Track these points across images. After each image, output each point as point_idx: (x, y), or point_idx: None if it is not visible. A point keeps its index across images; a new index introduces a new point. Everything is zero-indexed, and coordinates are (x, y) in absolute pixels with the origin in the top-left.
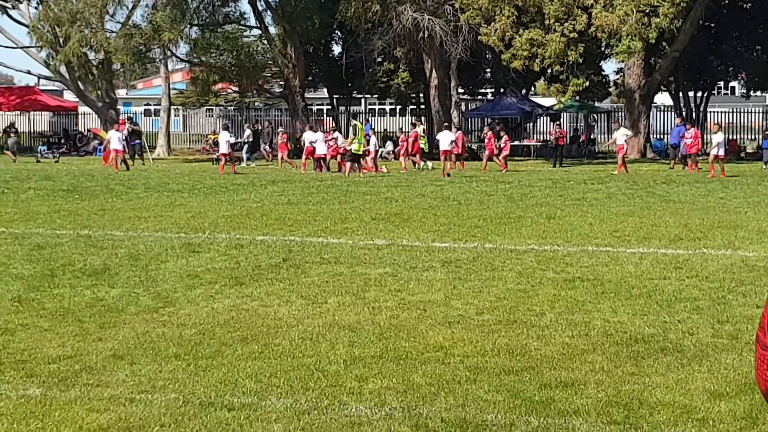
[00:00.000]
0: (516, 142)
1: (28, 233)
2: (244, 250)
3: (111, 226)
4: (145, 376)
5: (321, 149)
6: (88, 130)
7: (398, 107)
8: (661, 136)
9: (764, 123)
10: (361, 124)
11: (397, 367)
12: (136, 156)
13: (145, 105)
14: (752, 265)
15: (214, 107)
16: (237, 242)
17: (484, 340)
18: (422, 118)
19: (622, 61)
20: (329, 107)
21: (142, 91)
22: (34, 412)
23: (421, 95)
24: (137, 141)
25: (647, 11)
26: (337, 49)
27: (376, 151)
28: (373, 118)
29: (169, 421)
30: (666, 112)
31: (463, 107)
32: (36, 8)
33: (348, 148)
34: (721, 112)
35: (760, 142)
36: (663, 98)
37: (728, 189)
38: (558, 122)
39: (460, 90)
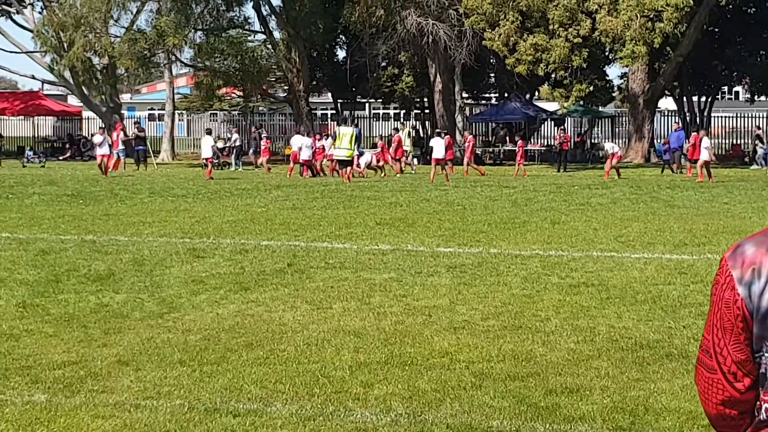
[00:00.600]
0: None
1: (33, 238)
2: (249, 255)
3: (115, 231)
4: (150, 382)
5: (305, 154)
6: (92, 135)
7: (402, 112)
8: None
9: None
10: (352, 128)
11: (402, 372)
12: (141, 161)
13: (149, 110)
14: None
15: (218, 112)
16: (242, 247)
17: (490, 346)
18: (407, 122)
19: (626, 66)
20: (333, 112)
21: (146, 96)
22: (39, 418)
23: (425, 100)
24: (142, 147)
25: (651, 16)
26: (341, 54)
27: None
28: (377, 122)
29: (174, 428)
30: (670, 117)
31: (467, 112)
32: (40, 13)
33: (329, 153)
34: (725, 116)
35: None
36: (667, 103)
37: (732, 194)
38: (562, 127)
39: (465, 94)
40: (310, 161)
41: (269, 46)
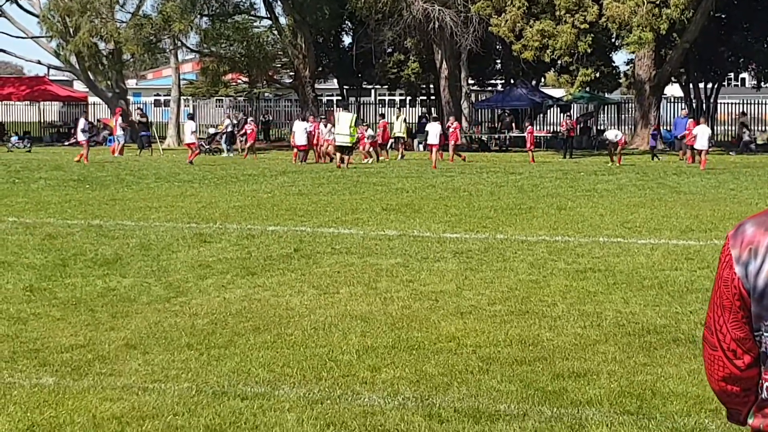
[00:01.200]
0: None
1: (40, 223)
2: (256, 240)
3: (122, 216)
4: (158, 365)
5: (299, 140)
6: (98, 120)
7: (408, 98)
8: (671, 128)
9: None
10: (352, 113)
11: (409, 357)
12: (144, 147)
13: (155, 95)
14: None
15: (224, 98)
16: (248, 232)
17: (497, 331)
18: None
19: (633, 52)
20: (339, 98)
21: (152, 82)
22: (48, 401)
23: (431, 86)
24: (145, 132)
25: (658, 2)
26: (347, 40)
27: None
28: (383, 108)
29: (183, 410)
30: (676, 104)
31: (473, 98)
32: None
33: (326, 138)
34: (732, 103)
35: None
36: (673, 89)
37: (739, 180)
38: (568, 113)
39: (470, 81)
40: (305, 146)
41: (275, 32)
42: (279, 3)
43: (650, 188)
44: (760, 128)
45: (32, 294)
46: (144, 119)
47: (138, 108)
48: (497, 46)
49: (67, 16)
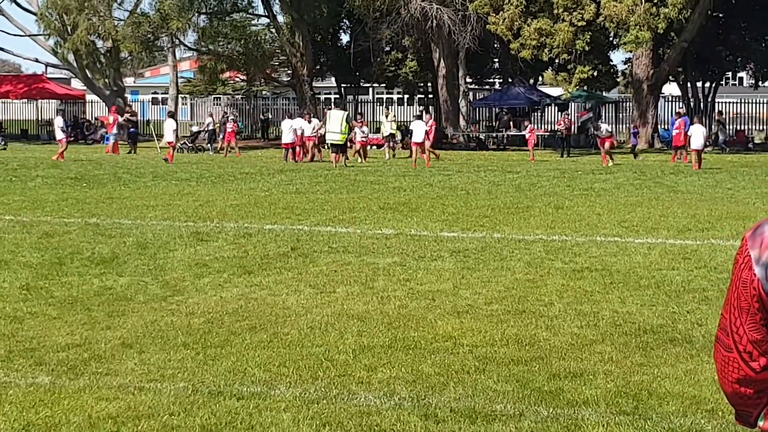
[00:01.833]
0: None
1: (36, 221)
2: (253, 239)
3: (119, 215)
4: (154, 364)
5: (286, 138)
6: (96, 119)
7: (406, 96)
8: (669, 127)
9: None
10: (343, 111)
11: (406, 356)
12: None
13: (152, 93)
14: None
15: (221, 96)
16: (245, 231)
17: (493, 330)
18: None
19: (630, 51)
20: (337, 96)
21: (150, 80)
22: (44, 400)
23: (429, 84)
24: (133, 130)
25: (656, 1)
26: (345, 38)
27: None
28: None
29: (179, 410)
30: (674, 103)
31: (471, 97)
32: None
33: (312, 135)
34: (730, 102)
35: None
36: (671, 88)
37: (736, 180)
38: (566, 112)
39: (468, 79)
40: (292, 144)
41: (273, 30)
42: (277, 1)
43: (648, 187)
44: (757, 127)
45: (29, 293)
46: (134, 118)
47: (127, 106)
48: (495, 45)
49: (64, 14)
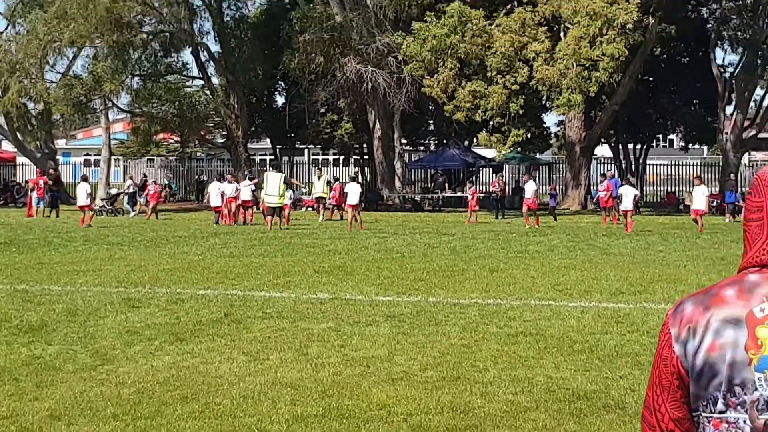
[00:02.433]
0: (459, 194)
1: None
2: (185, 304)
3: (48, 281)
4: None
5: (214, 201)
6: (26, 181)
7: (342, 158)
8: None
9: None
10: (280, 174)
11: (340, 426)
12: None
13: (84, 155)
14: None
15: (155, 157)
16: (178, 297)
17: (428, 398)
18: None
19: (563, 114)
20: (272, 157)
21: (82, 141)
22: None
23: (365, 146)
24: (56, 193)
25: (587, 65)
26: (280, 100)
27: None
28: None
29: None
30: (606, 164)
31: (406, 158)
32: None
33: (229, 197)
34: (660, 164)
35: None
36: (603, 150)
37: (668, 242)
38: (500, 174)
39: (404, 141)
40: (220, 207)
41: (207, 92)
42: (211, 63)
43: (581, 249)
44: (688, 189)
45: None
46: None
47: (51, 169)
48: (430, 107)
49: None
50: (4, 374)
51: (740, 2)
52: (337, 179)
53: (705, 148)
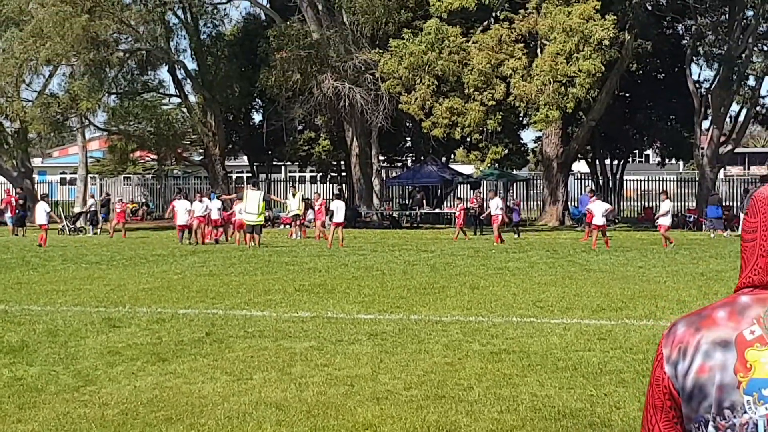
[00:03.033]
0: (438, 210)
1: None
2: (166, 324)
3: (28, 301)
4: None
5: (180, 219)
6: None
7: (319, 175)
8: (578, 204)
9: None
10: (260, 192)
11: None
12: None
13: (60, 173)
14: None
15: (132, 175)
16: (158, 316)
17: (413, 417)
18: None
19: (540, 130)
20: (249, 175)
21: (59, 159)
22: None
23: (342, 163)
24: (21, 212)
25: (564, 81)
26: (257, 117)
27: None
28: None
29: None
30: (584, 180)
31: (384, 175)
32: None
33: (197, 216)
34: (637, 179)
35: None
36: (580, 166)
37: (647, 258)
38: (478, 190)
39: (381, 158)
40: (186, 226)
41: (184, 110)
42: (188, 81)
43: (561, 266)
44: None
45: None
46: (21, 201)
47: (18, 189)
48: (407, 124)
49: None
50: None
51: (716, 18)
52: (319, 195)
53: (681, 163)
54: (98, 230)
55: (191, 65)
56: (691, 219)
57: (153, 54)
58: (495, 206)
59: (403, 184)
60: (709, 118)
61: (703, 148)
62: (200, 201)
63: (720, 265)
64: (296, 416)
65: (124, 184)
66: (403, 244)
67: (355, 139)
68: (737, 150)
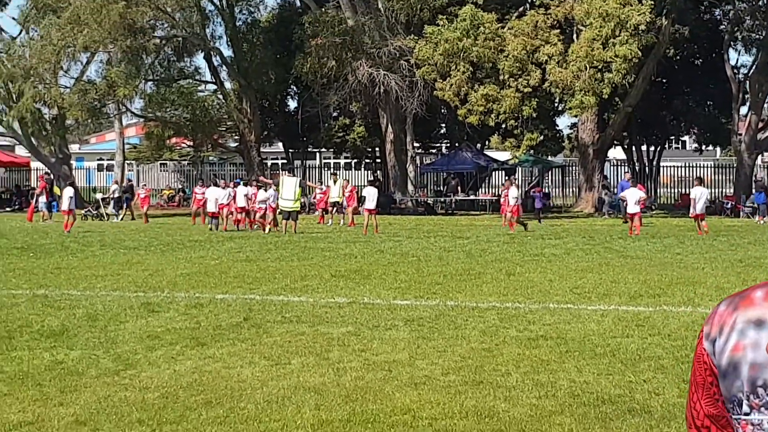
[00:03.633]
0: (472, 197)
1: None
2: (204, 309)
3: (68, 286)
4: None
5: (210, 206)
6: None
7: (354, 161)
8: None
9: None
10: (296, 177)
11: (365, 431)
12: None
13: (98, 160)
14: None
15: (168, 162)
16: (196, 301)
17: (452, 402)
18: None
19: (576, 116)
20: (285, 161)
21: (96, 146)
22: None
23: (377, 150)
24: (51, 198)
25: (600, 67)
26: (292, 104)
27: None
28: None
29: None
30: (619, 167)
31: (418, 161)
32: None
33: (221, 203)
34: (674, 166)
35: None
36: (616, 152)
37: (684, 245)
38: (513, 176)
39: (416, 144)
40: (214, 213)
41: (220, 97)
42: (224, 68)
43: (597, 252)
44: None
45: None
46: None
47: (45, 173)
48: (442, 110)
49: (10, 82)
50: (27, 379)
51: (754, 3)
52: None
53: (718, 149)
54: (122, 215)
55: (227, 52)
56: (729, 205)
57: (189, 41)
58: (513, 196)
59: (438, 170)
60: (747, 103)
61: (740, 134)
62: (224, 188)
63: (759, 251)
64: (335, 401)
65: (160, 171)
66: (438, 231)
67: (389, 126)
68: None
